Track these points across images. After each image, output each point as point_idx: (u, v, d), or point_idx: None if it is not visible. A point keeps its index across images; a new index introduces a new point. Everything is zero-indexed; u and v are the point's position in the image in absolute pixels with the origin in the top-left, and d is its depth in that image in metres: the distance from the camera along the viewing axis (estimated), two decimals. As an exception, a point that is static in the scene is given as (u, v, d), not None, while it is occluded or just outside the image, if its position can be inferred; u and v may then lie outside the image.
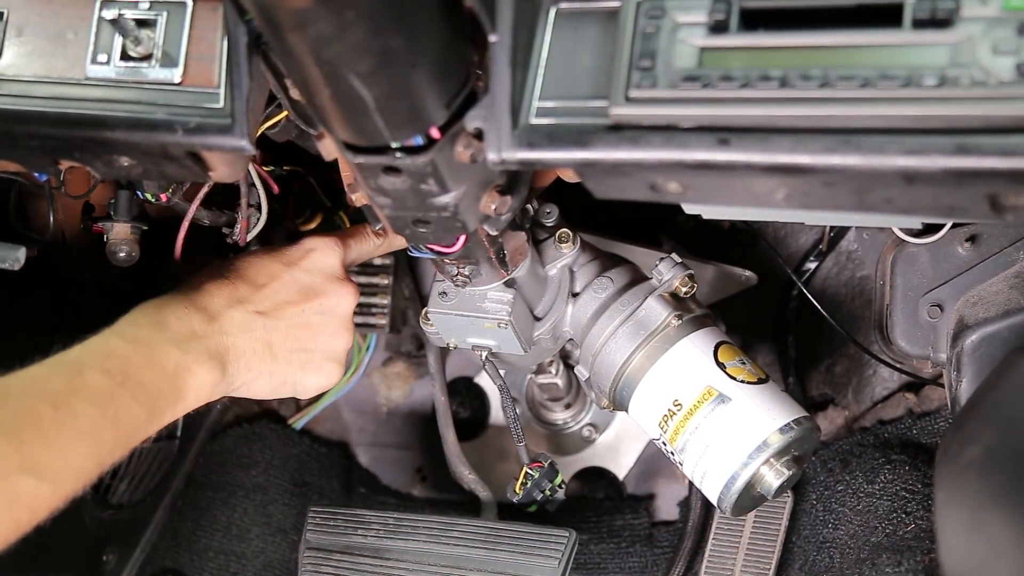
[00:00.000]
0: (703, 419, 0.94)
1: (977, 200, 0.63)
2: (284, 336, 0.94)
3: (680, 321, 0.99)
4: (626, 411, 1.04)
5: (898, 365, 1.21)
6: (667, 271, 1.01)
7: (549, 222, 1.03)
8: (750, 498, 0.95)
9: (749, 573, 1.20)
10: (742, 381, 0.96)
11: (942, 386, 1.19)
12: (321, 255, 0.98)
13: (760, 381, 0.97)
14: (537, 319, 1.03)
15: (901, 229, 1.07)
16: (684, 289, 1.01)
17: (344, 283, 0.98)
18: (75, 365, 0.79)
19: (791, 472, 0.93)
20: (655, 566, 1.32)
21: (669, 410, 0.96)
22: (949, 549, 0.81)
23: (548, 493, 1.13)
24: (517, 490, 1.11)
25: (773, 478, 0.93)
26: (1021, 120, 0.56)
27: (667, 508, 1.40)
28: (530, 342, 1.02)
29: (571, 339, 1.07)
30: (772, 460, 0.93)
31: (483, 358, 1.04)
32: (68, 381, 0.77)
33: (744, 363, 0.98)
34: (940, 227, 1.05)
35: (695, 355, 0.98)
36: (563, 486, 1.14)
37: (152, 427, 0.82)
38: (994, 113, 0.57)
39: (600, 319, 1.02)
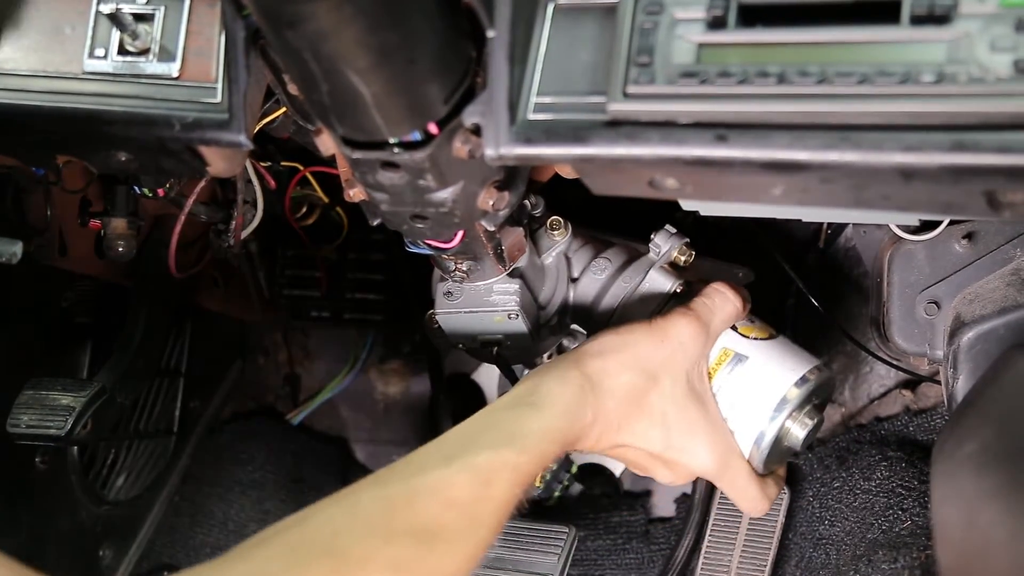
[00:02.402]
0: (724, 380, 0.95)
1: (974, 197, 0.63)
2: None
3: (684, 289, 1.00)
4: None
5: (895, 362, 1.21)
6: (664, 243, 1.01)
7: (537, 212, 1.03)
8: (779, 452, 0.96)
9: (746, 569, 1.20)
10: (755, 338, 0.97)
11: (939, 383, 1.19)
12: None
13: (771, 336, 0.98)
14: (541, 308, 1.03)
15: (898, 226, 1.07)
16: (683, 258, 1.02)
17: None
18: (485, 473, 0.76)
19: (815, 421, 0.95)
20: (651, 562, 1.32)
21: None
22: (945, 545, 0.81)
23: (567, 484, 1.13)
24: (538, 483, 1.10)
25: (799, 430, 0.94)
26: (1018, 116, 0.57)
27: (663, 505, 1.40)
28: (538, 331, 1.02)
29: (574, 325, 1.07)
30: (795, 414, 0.94)
31: (494, 353, 1.04)
32: (476, 493, 0.75)
33: (753, 321, 0.99)
34: (937, 224, 1.05)
35: None
36: (575, 476, 1.14)
37: None
38: (991, 110, 0.57)
39: (604, 299, 1.02)
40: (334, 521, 0.71)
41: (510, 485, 0.77)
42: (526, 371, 1.41)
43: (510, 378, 1.06)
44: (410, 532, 0.71)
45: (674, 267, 1.02)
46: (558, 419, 0.82)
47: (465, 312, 0.99)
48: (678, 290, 0.99)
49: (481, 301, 0.98)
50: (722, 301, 0.93)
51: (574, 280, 1.04)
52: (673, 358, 0.90)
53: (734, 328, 0.97)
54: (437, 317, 1.01)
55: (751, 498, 0.96)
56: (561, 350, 1.23)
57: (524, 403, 0.83)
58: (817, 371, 0.96)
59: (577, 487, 1.13)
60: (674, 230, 1.02)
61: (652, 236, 1.02)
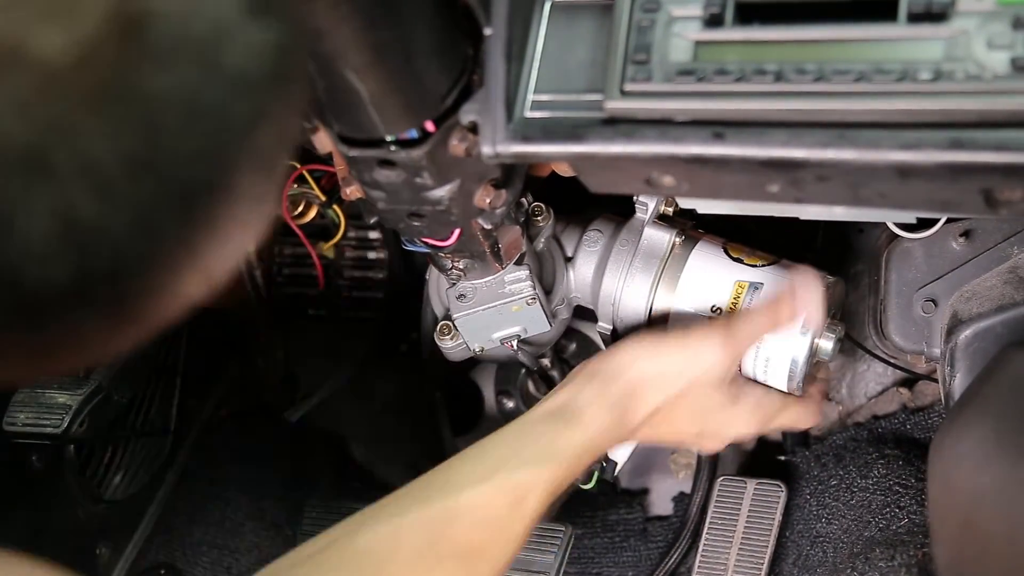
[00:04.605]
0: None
1: (971, 195, 0.63)
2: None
3: (683, 237, 1.00)
4: None
5: (892, 360, 1.21)
6: (649, 199, 1.01)
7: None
8: (812, 367, 0.99)
9: (743, 567, 1.20)
10: (762, 266, 0.98)
11: (936, 381, 1.19)
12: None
13: (776, 261, 0.99)
14: (547, 293, 1.03)
15: (895, 224, 1.07)
16: (671, 210, 1.02)
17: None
18: (521, 491, 0.81)
19: (838, 330, 0.97)
20: (648, 560, 1.32)
21: (709, 319, 0.97)
22: (942, 543, 0.81)
23: (604, 462, 1.13)
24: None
25: (826, 343, 0.96)
26: (1015, 115, 0.57)
27: (660, 503, 1.40)
28: (552, 315, 1.02)
29: (600, 324, 1.06)
30: (818, 330, 0.96)
31: (515, 347, 1.03)
32: (511, 511, 0.80)
33: (754, 252, 1.00)
34: (934, 222, 1.05)
35: (712, 260, 1.00)
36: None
37: None
38: (989, 107, 0.57)
39: (607, 268, 1.01)
40: (382, 546, 0.77)
41: (542, 501, 0.81)
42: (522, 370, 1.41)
43: (536, 368, 1.07)
44: (453, 555, 0.77)
45: (665, 219, 1.02)
46: (596, 436, 0.86)
47: (483, 310, 0.99)
48: (678, 240, 1.00)
49: (496, 295, 0.98)
50: (766, 321, 0.93)
51: (569, 259, 1.04)
52: (704, 376, 0.91)
53: (740, 261, 0.98)
54: (456, 321, 1.00)
55: (803, 424, 1.02)
56: (559, 348, 1.23)
57: (562, 417, 0.85)
58: (828, 286, 0.97)
59: (613, 467, 1.14)
60: None
61: (635, 197, 1.02)
